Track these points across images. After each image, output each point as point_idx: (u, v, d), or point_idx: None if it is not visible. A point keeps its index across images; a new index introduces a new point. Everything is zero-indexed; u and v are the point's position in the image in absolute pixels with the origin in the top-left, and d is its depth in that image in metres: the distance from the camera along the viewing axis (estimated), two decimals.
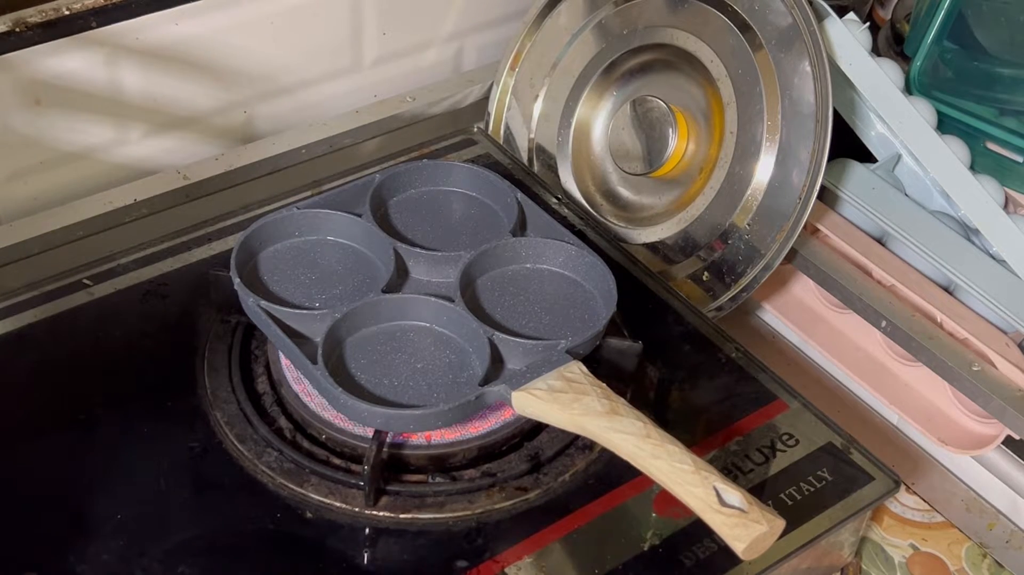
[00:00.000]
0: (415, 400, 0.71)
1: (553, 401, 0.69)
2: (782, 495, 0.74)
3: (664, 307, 0.87)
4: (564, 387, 0.70)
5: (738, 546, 0.62)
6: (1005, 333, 0.86)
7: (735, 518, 0.62)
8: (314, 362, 0.70)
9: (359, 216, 0.82)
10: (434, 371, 0.73)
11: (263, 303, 0.74)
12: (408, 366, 0.73)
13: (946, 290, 0.89)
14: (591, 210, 0.99)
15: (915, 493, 0.89)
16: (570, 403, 0.69)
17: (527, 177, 0.98)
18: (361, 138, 1.04)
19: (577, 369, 0.71)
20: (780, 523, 0.63)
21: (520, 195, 0.84)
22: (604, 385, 0.71)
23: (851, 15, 0.92)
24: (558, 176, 1.01)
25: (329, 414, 0.74)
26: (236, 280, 0.76)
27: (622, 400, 0.70)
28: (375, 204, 0.83)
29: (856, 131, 0.96)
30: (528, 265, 0.81)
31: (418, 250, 0.80)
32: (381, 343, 0.75)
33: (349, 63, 1.06)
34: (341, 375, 0.72)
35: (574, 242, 0.81)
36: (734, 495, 0.64)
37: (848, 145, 0.94)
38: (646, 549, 0.70)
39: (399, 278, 0.79)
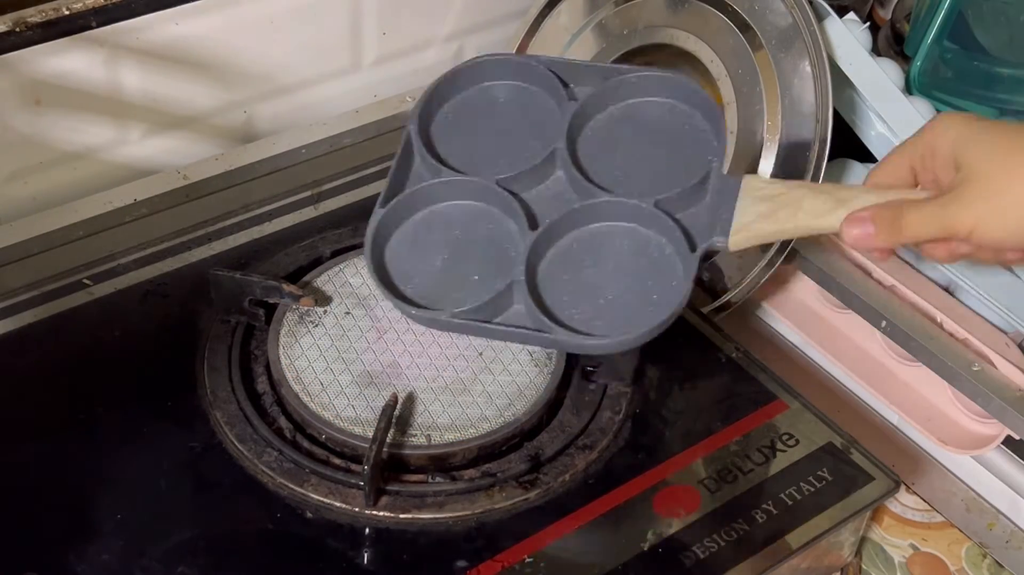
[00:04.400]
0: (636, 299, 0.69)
1: (772, 223, 0.65)
2: (782, 495, 0.74)
3: None
4: (769, 207, 0.65)
5: None
6: (1005, 333, 0.86)
7: None
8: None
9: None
10: (629, 268, 0.70)
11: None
12: (603, 276, 0.71)
13: (946, 290, 0.89)
14: None
15: (915, 493, 0.89)
16: (793, 216, 0.64)
17: None
18: (361, 138, 1.03)
19: (759, 182, 0.67)
20: None
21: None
22: (799, 181, 0.66)
23: (851, 15, 0.92)
24: None
25: (329, 414, 0.74)
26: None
27: (825, 184, 0.65)
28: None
29: (856, 131, 0.96)
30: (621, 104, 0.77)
31: None
32: (566, 263, 0.72)
33: (349, 63, 1.06)
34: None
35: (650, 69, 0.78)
36: None
37: (848, 145, 0.94)
38: (646, 549, 0.70)
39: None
